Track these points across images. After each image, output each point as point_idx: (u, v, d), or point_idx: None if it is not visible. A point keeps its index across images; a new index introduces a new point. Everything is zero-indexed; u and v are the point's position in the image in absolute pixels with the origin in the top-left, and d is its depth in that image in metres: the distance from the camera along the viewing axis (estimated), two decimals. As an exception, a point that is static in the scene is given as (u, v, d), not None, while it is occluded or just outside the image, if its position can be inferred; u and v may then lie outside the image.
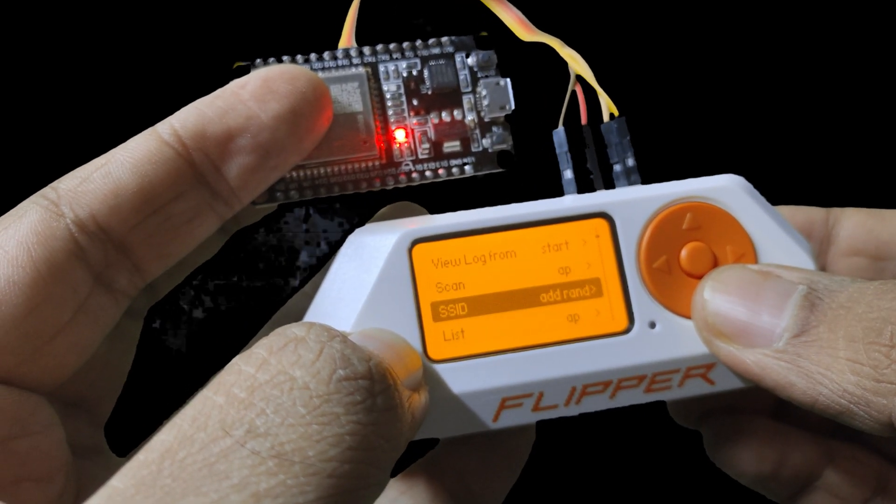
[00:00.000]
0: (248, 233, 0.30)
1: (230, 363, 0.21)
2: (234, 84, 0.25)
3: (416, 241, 0.26)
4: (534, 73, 0.29)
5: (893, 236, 0.31)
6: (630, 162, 0.28)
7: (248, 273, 0.45)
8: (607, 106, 0.29)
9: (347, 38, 0.28)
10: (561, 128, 0.29)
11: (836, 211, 0.32)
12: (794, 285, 0.25)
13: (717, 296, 0.26)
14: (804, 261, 0.27)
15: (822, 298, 0.24)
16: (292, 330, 0.21)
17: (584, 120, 0.29)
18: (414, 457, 0.29)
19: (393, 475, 0.29)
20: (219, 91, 0.25)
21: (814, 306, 0.24)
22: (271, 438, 0.19)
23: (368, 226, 0.28)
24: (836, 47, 0.48)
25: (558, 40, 0.29)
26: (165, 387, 0.22)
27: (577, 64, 0.28)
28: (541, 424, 0.28)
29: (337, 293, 0.27)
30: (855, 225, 0.31)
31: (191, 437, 0.19)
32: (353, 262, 0.27)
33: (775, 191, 0.29)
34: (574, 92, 0.29)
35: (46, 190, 0.24)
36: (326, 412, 0.20)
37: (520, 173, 0.29)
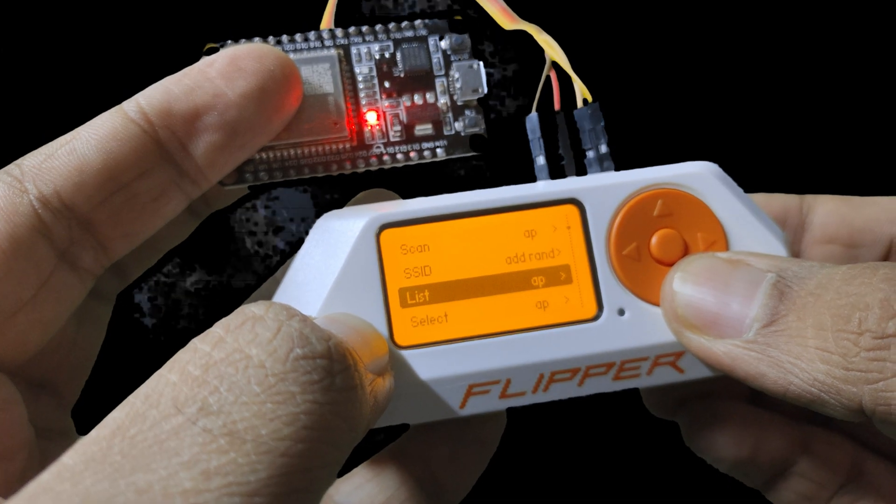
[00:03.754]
0: (220, 217, 0.29)
1: (189, 343, 0.21)
2: (202, 62, 0.25)
3: (383, 227, 0.26)
4: (511, 58, 0.29)
5: (866, 224, 0.31)
6: (603, 148, 0.28)
7: (221, 258, 0.45)
8: (581, 92, 0.28)
9: (328, 19, 0.28)
10: (534, 113, 0.29)
11: (809, 198, 0.32)
12: (762, 273, 0.24)
13: (686, 286, 0.25)
14: (776, 248, 0.27)
15: (791, 286, 0.24)
16: (251, 309, 0.21)
17: (557, 106, 0.29)
18: (381, 444, 0.29)
19: (360, 462, 0.29)
20: (186, 69, 0.25)
21: (783, 295, 0.24)
22: (224, 416, 0.19)
23: (336, 211, 0.28)
24: (812, 35, 0.48)
25: (535, 26, 0.29)
26: (138, 373, 0.22)
27: (552, 50, 0.28)
28: (511, 414, 0.28)
29: (303, 278, 0.26)
30: (828, 212, 0.31)
31: (142, 414, 0.19)
32: (320, 248, 0.26)
33: (750, 178, 0.29)
34: (549, 77, 0.28)
35: (10, 167, 0.24)
36: (282, 391, 0.19)
37: (494, 159, 0.29)
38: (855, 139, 0.48)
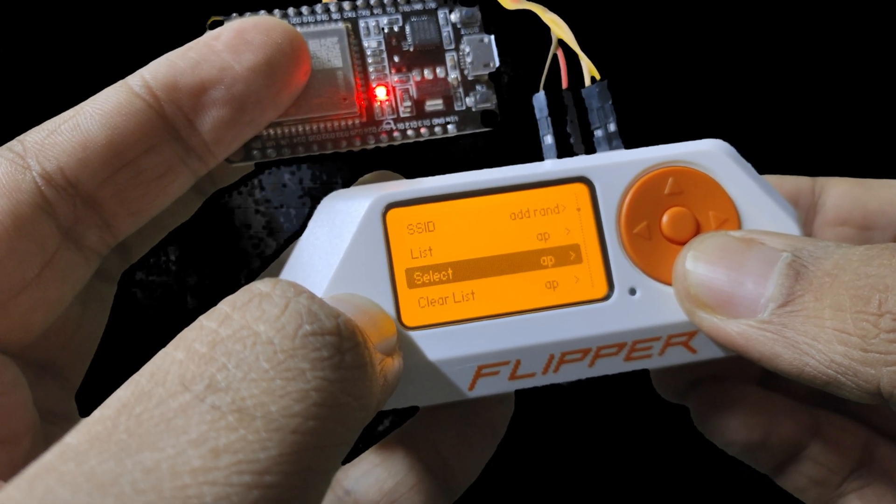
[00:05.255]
0: (225, 195, 0.29)
1: (195, 321, 0.20)
2: (208, 35, 0.25)
3: (390, 206, 0.25)
4: (517, 36, 0.29)
5: (880, 206, 0.30)
6: (612, 127, 0.28)
7: (226, 238, 0.44)
8: (589, 70, 0.28)
9: None
10: (541, 92, 0.28)
11: (822, 180, 0.31)
12: (777, 252, 0.24)
13: (699, 265, 0.25)
14: (790, 227, 0.26)
15: (807, 266, 0.23)
16: (257, 286, 0.21)
17: (565, 84, 0.28)
18: (389, 428, 0.29)
19: (368, 447, 0.28)
20: (191, 43, 0.25)
21: (799, 274, 0.23)
22: (232, 393, 0.18)
23: (342, 190, 0.27)
24: (824, 14, 0.48)
25: (541, 6, 0.28)
26: (142, 357, 0.21)
27: (558, 28, 0.28)
28: (520, 397, 0.28)
29: (308, 259, 0.26)
30: (841, 194, 0.31)
31: (148, 392, 0.18)
32: (325, 228, 0.26)
33: (761, 159, 0.28)
34: (555, 56, 0.28)
35: (12, 143, 0.24)
36: (291, 367, 0.19)
37: (503, 136, 0.29)
38: (867, 121, 0.48)
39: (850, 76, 0.48)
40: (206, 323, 0.20)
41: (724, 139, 0.27)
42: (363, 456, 0.28)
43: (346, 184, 0.29)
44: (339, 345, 0.20)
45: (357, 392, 0.20)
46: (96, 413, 0.18)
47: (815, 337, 0.23)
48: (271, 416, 0.18)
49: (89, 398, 0.27)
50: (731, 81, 0.47)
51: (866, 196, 0.31)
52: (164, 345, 0.20)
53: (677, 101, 0.46)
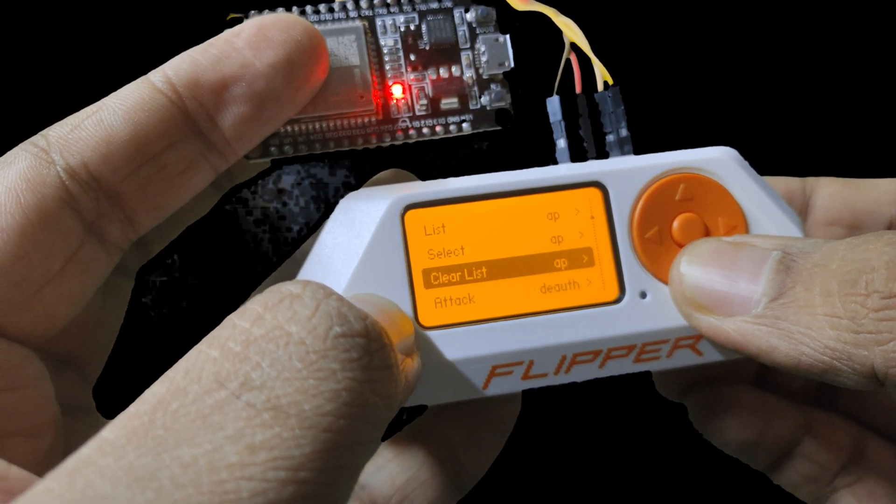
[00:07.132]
0: (235, 191, 0.29)
1: (225, 319, 0.20)
2: (229, 32, 0.25)
3: (408, 207, 0.26)
4: (530, 40, 0.29)
5: (869, 205, 0.31)
6: (623, 132, 0.28)
7: (235, 235, 0.44)
8: (602, 74, 0.28)
9: None
10: (555, 96, 0.28)
11: (811, 181, 0.32)
12: (768, 252, 0.25)
13: (693, 268, 0.26)
14: (794, 233, 0.27)
15: (797, 260, 0.24)
16: (287, 287, 0.21)
17: (578, 88, 0.28)
18: (401, 424, 0.29)
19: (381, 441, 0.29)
20: (213, 39, 0.25)
21: (789, 269, 0.24)
22: (267, 391, 0.19)
23: (360, 191, 0.27)
24: (814, 19, 0.49)
25: (553, 9, 0.28)
26: (156, 352, 0.21)
27: (571, 32, 0.28)
28: (526, 395, 0.28)
29: (327, 259, 0.26)
30: (831, 195, 0.32)
31: (184, 388, 0.19)
32: (343, 228, 0.26)
33: (752, 161, 0.29)
34: (569, 60, 0.28)
35: (36, 137, 0.24)
36: (323, 367, 0.19)
37: (516, 139, 0.29)
38: (857, 121, 0.49)
39: (839, 77, 0.49)
40: (239, 322, 0.20)
41: (720, 141, 0.28)
42: (377, 451, 0.29)
43: (359, 181, 0.29)
44: (368, 346, 0.20)
45: (384, 392, 0.20)
46: (131, 408, 0.18)
47: (808, 325, 0.23)
48: (305, 414, 0.18)
49: (102, 392, 0.27)
50: (731, 86, 0.48)
51: (855, 196, 0.31)
52: (170, 342, 0.20)
53: (686, 105, 0.47)
